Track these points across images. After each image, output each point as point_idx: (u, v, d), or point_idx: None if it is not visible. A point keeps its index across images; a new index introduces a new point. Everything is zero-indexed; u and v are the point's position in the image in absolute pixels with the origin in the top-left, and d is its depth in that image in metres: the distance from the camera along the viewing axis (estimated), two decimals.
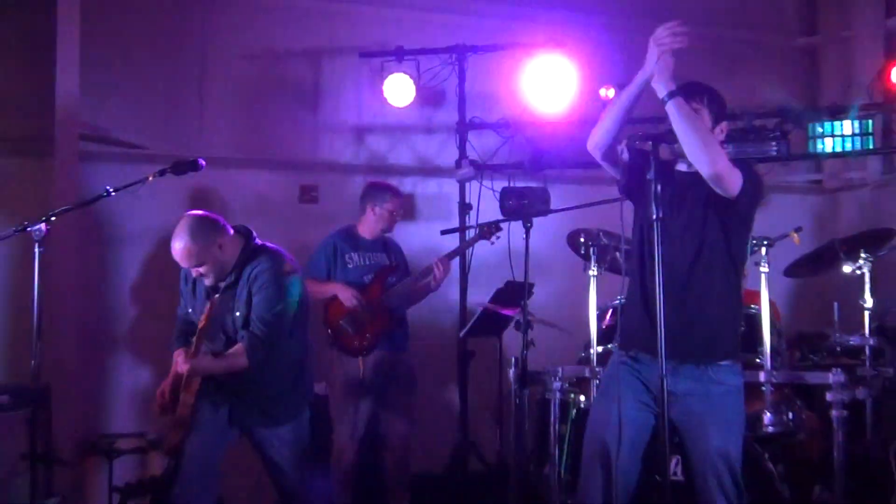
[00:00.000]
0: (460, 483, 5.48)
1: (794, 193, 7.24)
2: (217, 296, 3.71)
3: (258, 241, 3.82)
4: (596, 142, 3.22)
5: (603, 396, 3.40)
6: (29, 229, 3.59)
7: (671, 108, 3.02)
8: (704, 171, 3.03)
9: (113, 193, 3.77)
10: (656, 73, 3.03)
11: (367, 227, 5.25)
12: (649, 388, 3.18)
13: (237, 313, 3.70)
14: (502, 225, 5.08)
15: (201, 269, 3.66)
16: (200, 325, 3.63)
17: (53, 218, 3.67)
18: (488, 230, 5.23)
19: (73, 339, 5.28)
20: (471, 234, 5.57)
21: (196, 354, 3.62)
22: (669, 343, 2.91)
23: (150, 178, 3.78)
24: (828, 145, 5.65)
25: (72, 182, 5.26)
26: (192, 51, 5.99)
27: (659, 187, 2.99)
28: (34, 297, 3.64)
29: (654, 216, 2.98)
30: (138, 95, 5.78)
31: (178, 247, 3.61)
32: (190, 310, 3.89)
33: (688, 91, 3.16)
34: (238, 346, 3.65)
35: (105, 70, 5.58)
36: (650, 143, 3.04)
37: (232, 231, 3.76)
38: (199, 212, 3.79)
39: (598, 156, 3.25)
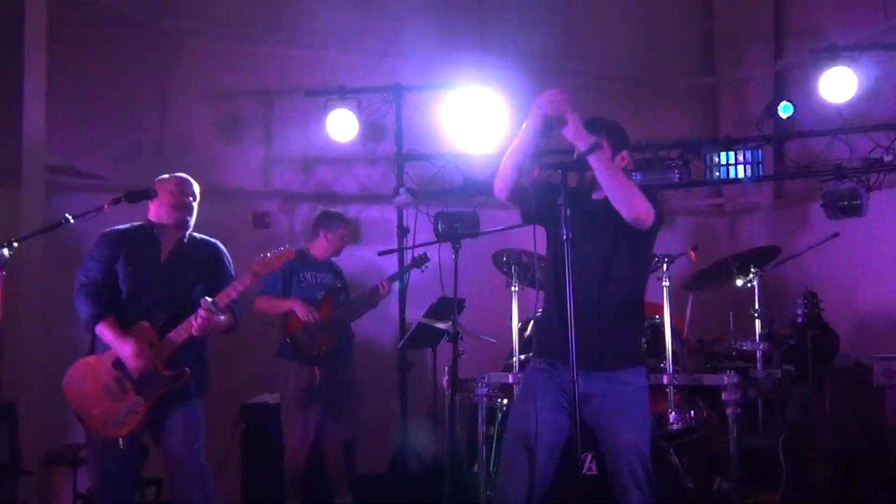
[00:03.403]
0: (401, 482, 5.43)
1: (698, 216, 7.35)
2: None
3: None
4: (500, 187, 3.24)
5: (521, 399, 3.38)
6: None
7: (593, 162, 3.06)
8: (626, 215, 3.04)
9: (72, 221, 3.64)
10: (573, 133, 3.07)
11: (319, 249, 5.24)
12: (564, 392, 3.18)
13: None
14: (435, 246, 5.07)
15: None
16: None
17: (16, 244, 3.52)
18: (419, 261, 5.35)
19: (38, 358, 5.09)
20: (406, 255, 5.59)
21: None
22: (581, 352, 2.92)
23: (106, 207, 3.66)
24: (723, 173, 5.75)
25: (38, 211, 5.10)
26: (153, 89, 5.93)
27: (568, 211, 3.00)
28: None
29: (564, 236, 2.99)
30: (102, 130, 5.68)
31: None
32: None
33: (589, 125, 3.19)
34: None
35: (70, 107, 5.46)
36: (560, 171, 3.07)
37: None
38: None
39: (504, 198, 3.26)
